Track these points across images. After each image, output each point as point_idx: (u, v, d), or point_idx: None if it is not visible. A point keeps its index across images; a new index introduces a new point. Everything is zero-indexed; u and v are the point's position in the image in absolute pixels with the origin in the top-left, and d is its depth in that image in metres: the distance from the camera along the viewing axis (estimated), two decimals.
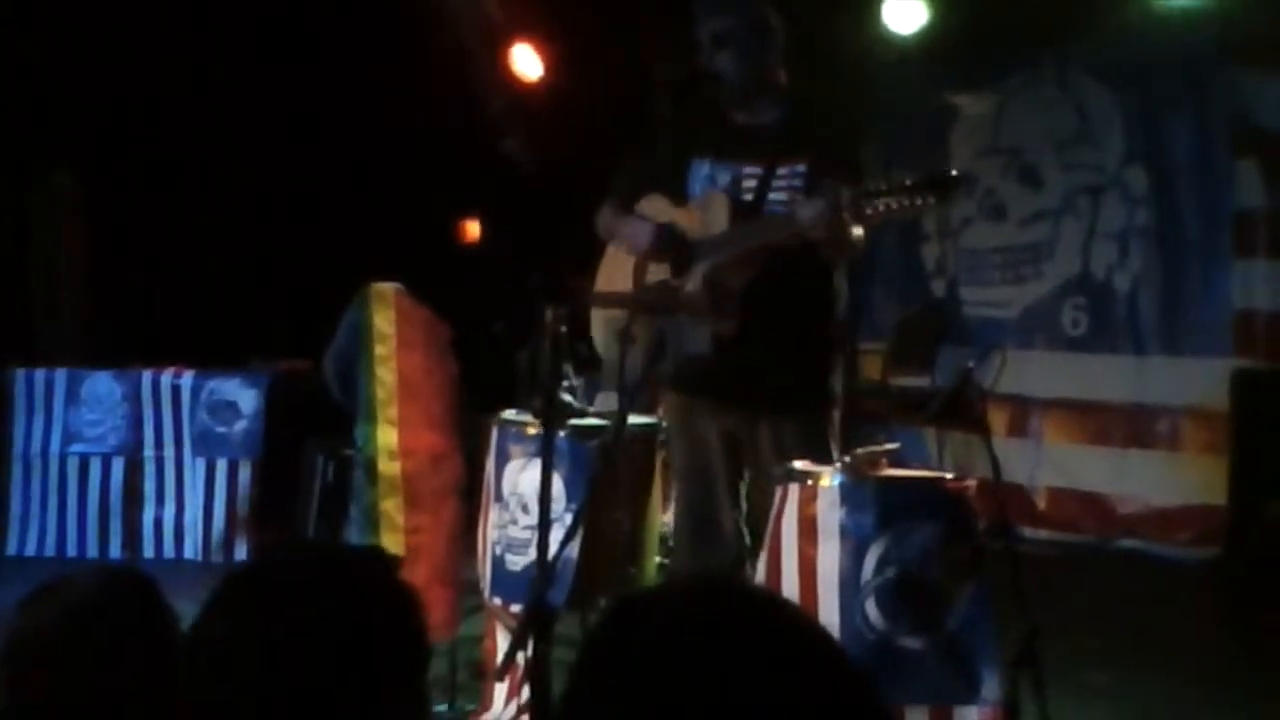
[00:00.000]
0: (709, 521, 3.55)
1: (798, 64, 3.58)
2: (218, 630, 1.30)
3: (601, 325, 3.59)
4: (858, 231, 3.20)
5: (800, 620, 1.10)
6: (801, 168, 3.41)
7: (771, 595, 1.17)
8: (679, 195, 3.57)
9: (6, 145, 7.24)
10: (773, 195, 3.43)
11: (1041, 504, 7.06)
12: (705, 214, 3.45)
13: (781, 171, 3.43)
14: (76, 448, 6.42)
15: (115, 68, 7.37)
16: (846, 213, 3.07)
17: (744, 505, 3.56)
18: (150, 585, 1.89)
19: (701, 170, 3.54)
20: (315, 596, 1.31)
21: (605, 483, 3.38)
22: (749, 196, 3.45)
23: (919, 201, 2.96)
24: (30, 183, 7.80)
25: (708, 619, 1.04)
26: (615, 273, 3.64)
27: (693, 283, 3.41)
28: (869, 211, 3.04)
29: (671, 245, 3.46)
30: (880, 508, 2.93)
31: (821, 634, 1.09)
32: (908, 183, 2.96)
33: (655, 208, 3.60)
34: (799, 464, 3.14)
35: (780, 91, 3.55)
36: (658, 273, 3.53)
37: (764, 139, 3.49)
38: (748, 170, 3.47)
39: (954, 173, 2.99)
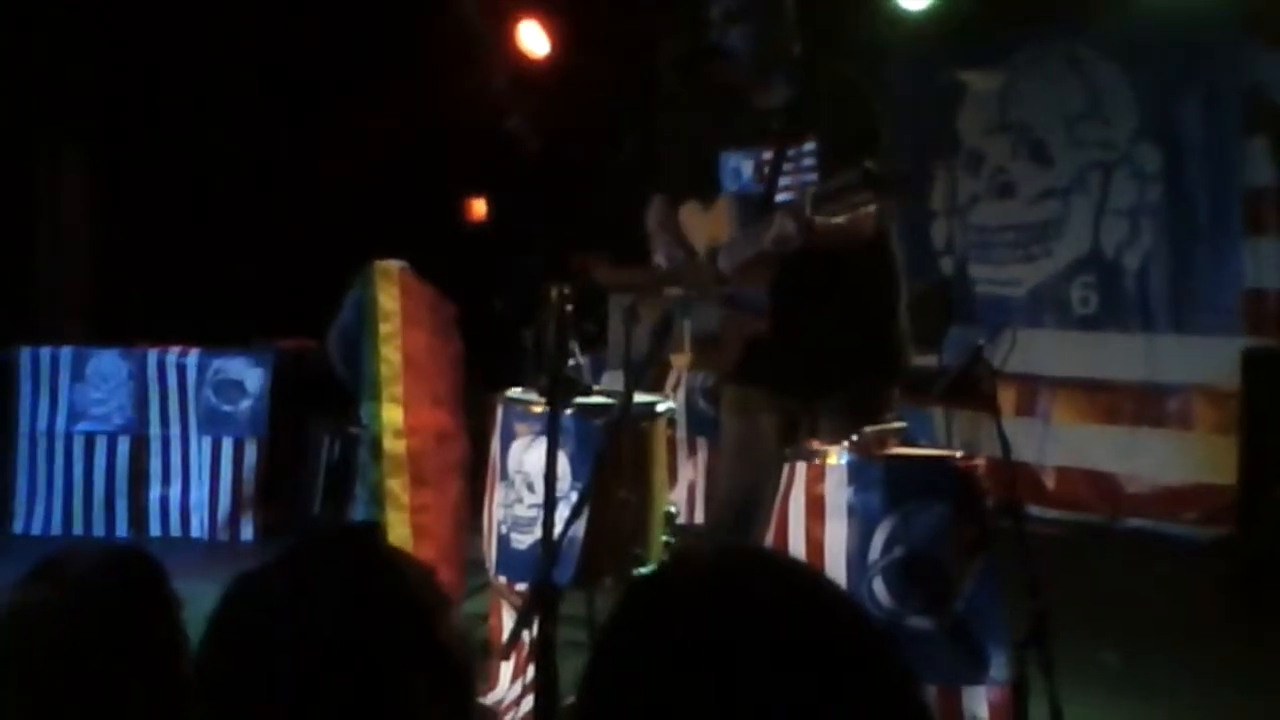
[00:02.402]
0: (748, 503, 3.53)
1: (809, 36, 3.54)
2: (223, 663, 1.28)
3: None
4: (869, 209, 3.14)
5: (832, 589, 1.08)
6: (810, 146, 3.37)
7: (802, 565, 1.15)
8: (711, 190, 3.54)
9: (12, 124, 7.22)
10: (783, 180, 3.39)
11: (1050, 483, 7.04)
12: (725, 218, 3.43)
13: (790, 154, 3.39)
14: (82, 426, 6.41)
15: (121, 45, 7.34)
16: (816, 218, 3.04)
17: None
18: (151, 562, 1.87)
19: (728, 162, 3.53)
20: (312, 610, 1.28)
21: (611, 461, 3.36)
22: (762, 186, 3.42)
23: (861, 200, 2.93)
24: (36, 161, 7.79)
25: (744, 586, 1.03)
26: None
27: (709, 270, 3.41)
28: (823, 217, 3.01)
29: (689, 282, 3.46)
30: (888, 487, 2.91)
31: (852, 602, 1.08)
32: (846, 184, 2.92)
33: (689, 216, 3.59)
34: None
35: (793, 65, 3.50)
36: None
37: (780, 120, 3.44)
38: (767, 156, 3.44)
39: (897, 170, 2.95)
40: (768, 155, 3.43)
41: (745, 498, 3.56)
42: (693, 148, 3.61)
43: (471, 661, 1.37)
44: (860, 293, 3.48)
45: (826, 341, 3.40)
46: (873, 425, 3.12)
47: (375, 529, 1.44)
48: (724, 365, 3.59)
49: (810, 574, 1.11)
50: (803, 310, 3.31)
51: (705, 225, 3.50)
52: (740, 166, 3.49)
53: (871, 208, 3.01)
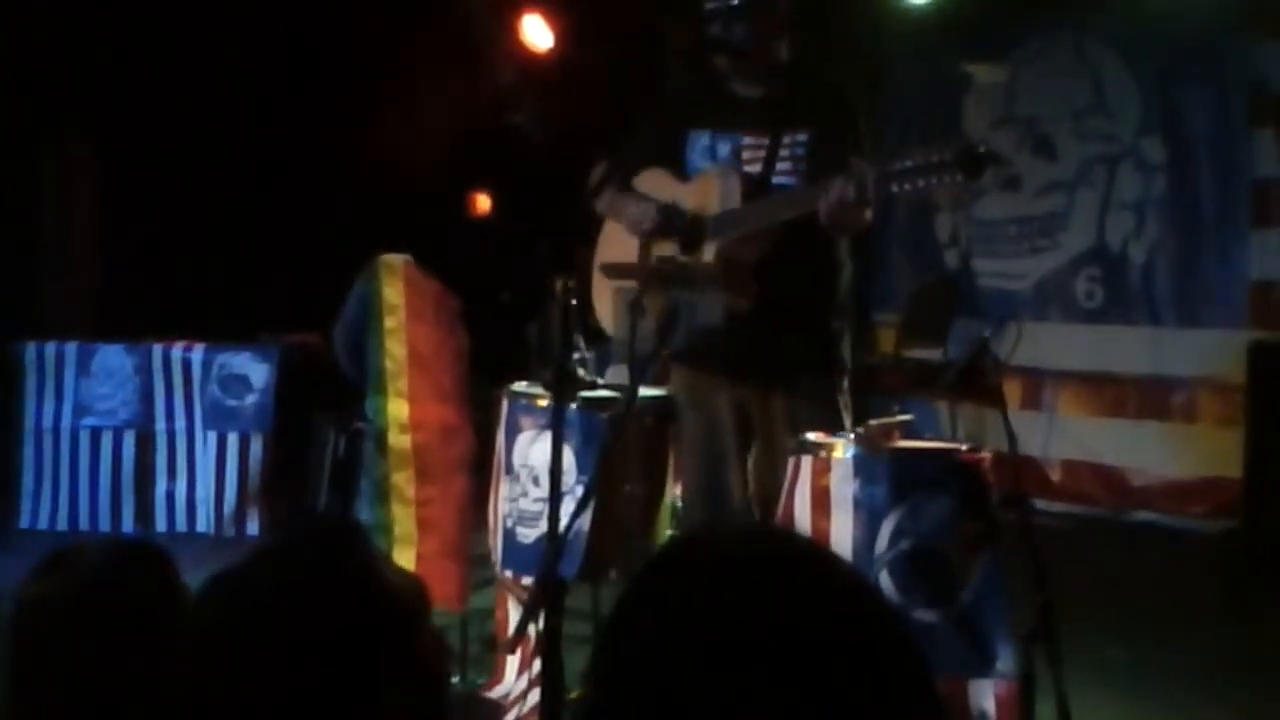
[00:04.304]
0: (718, 495, 3.53)
1: (805, 33, 3.55)
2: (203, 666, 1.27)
3: (609, 297, 3.57)
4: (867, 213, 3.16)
5: (844, 569, 1.08)
6: (803, 136, 3.38)
7: (813, 544, 1.14)
8: (678, 167, 3.54)
9: (17, 117, 7.22)
10: (779, 165, 3.40)
11: (1055, 476, 7.03)
12: (719, 189, 3.41)
13: (785, 140, 3.40)
14: (88, 421, 6.42)
15: (126, 36, 7.34)
16: (870, 193, 3.03)
17: (750, 478, 3.54)
18: (162, 556, 1.87)
19: (700, 141, 3.52)
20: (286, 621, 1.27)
21: (616, 455, 3.36)
22: (755, 168, 3.42)
23: (946, 179, 2.90)
24: (41, 154, 7.79)
25: (763, 562, 1.02)
26: (617, 246, 3.61)
27: (706, 258, 3.38)
28: (894, 190, 3.00)
29: (677, 227, 3.43)
30: (894, 480, 2.90)
31: (865, 582, 1.08)
32: (934, 160, 2.90)
33: (656, 183, 3.57)
34: (812, 435, 3.11)
35: (783, 63, 3.52)
36: (663, 248, 3.50)
37: (766, 108, 3.46)
38: (748, 141, 3.44)
39: (983, 149, 2.92)
40: (749, 140, 3.43)
41: (706, 493, 3.56)
42: (667, 122, 3.60)
43: (447, 670, 1.36)
44: (827, 284, 3.50)
45: (796, 328, 3.41)
46: (828, 419, 3.13)
47: (356, 530, 1.42)
48: None
49: (821, 554, 1.10)
50: (785, 292, 3.31)
51: (681, 194, 3.48)
52: (716, 146, 3.49)
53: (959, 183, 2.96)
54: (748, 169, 3.43)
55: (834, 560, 1.08)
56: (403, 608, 1.31)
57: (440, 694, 1.34)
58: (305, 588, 1.27)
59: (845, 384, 3.53)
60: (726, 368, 3.51)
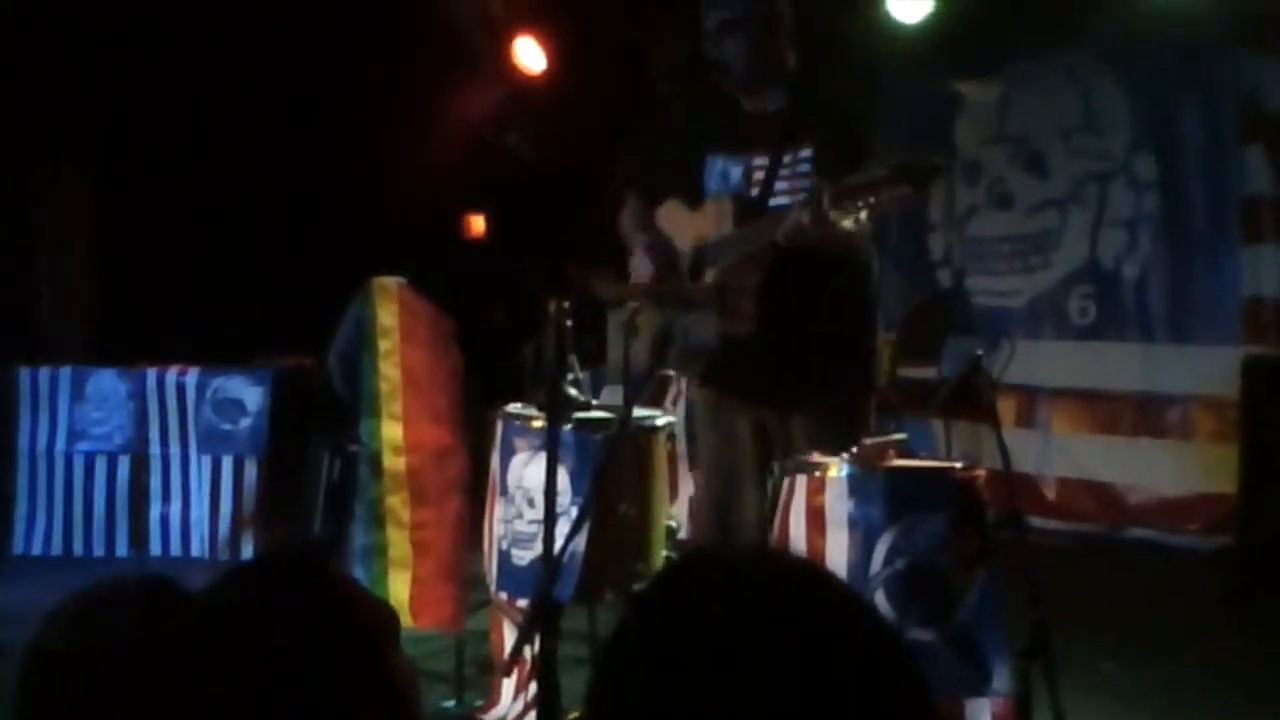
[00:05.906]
0: (732, 515, 3.53)
1: (805, 47, 3.55)
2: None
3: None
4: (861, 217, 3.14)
5: (842, 590, 1.08)
6: (806, 152, 3.37)
7: (810, 565, 1.14)
8: (695, 193, 3.55)
9: (13, 142, 7.23)
10: (780, 185, 3.40)
11: (1050, 494, 7.03)
12: (715, 216, 3.43)
13: (787, 159, 3.40)
14: (82, 446, 6.41)
15: (120, 64, 7.35)
16: (832, 213, 3.03)
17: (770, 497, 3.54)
18: (181, 595, 1.83)
19: (715, 166, 3.52)
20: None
21: (611, 476, 3.36)
22: (758, 190, 3.42)
23: (894, 193, 2.90)
24: (36, 180, 7.79)
25: (760, 584, 1.02)
26: None
27: (706, 281, 3.40)
28: (852, 208, 3.00)
29: (672, 278, 3.45)
30: (889, 498, 2.91)
31: (864, 603, 1.08)
32: (880, 175, 2.91)
33: (671, 217, 3.59)
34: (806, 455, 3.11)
35: (787, 76, 3.52)
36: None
37: (771, 126, 3.45)
38: (758, 162, 3.44)
39: (931, 161, 2.92)
40: (759, 161, 3.43)
41: (724, 512, 3.55)
42: (680, 149, 3.61)
43: (417, 691, 1.35)
44: (846, 301, 3.49)
45: (809, 348, 3.40)
46: (849, 439, 3.13)
47: (325, 553, 1.43)
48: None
49: (818, 574, 1.10)
50: (789, 314, 3.30)
51: (691, 224, 3.50)
52: (728, 170, 3.49)
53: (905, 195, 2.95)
54: (755, 192, 3.43)
55: (831, 580, 1.09)
56: (373, 629, 1.31)
57: (412, 715, 1.34)
58: (273, 609, 1.27)
59: (870, 402, 3.52)
60: (746, 389, 3.51)
